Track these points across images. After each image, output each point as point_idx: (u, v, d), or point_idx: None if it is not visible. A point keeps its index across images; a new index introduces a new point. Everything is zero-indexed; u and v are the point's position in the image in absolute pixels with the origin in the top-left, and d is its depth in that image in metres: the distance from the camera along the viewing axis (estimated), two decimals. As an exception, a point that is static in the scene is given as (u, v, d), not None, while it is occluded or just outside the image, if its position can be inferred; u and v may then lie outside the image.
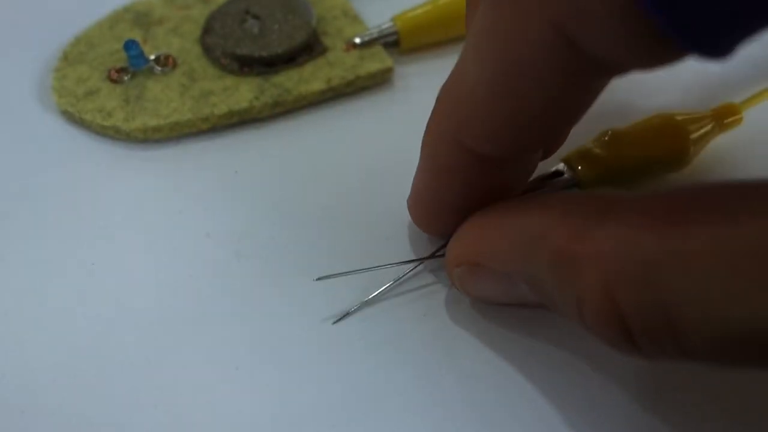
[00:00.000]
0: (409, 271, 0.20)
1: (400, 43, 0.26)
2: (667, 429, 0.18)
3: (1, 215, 0.22)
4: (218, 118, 0.24)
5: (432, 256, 0.21)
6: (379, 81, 0.26)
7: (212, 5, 0.27)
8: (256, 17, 0.26)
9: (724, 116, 0.22)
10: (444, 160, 0.18)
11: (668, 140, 0.21)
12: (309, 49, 0.25)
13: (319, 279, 0.20)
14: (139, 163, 0.23)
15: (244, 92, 0.24)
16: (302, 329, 0.20)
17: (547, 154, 0.21)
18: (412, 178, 0.23)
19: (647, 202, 0.15)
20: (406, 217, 0.22)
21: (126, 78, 0.25)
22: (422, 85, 0.26)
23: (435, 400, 0.18)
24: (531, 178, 0.21)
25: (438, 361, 0.19)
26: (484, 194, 0.18)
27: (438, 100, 0.18)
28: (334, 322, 0.19)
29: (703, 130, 0.22)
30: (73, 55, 0.25)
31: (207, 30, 0.26)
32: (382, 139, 0.25)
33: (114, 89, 0.24)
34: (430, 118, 0.18)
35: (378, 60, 0.25)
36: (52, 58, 0.26)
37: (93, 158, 0.23)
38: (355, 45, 0.26)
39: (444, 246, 0.20)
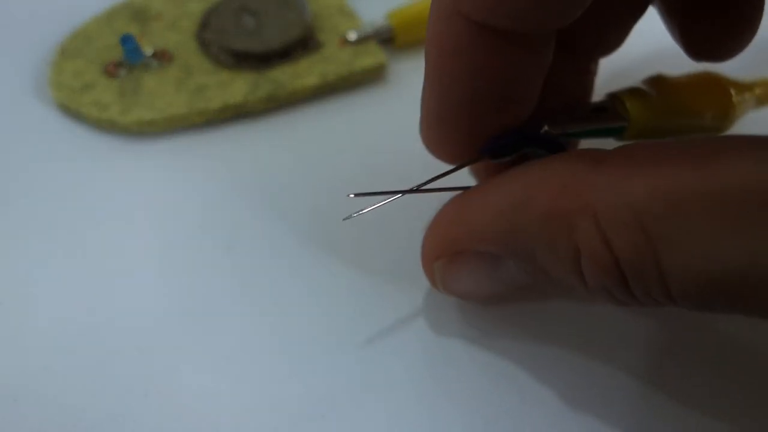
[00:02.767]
0: (428, 181, 0.18)
1: (394, 39, 0.26)
2: (668, 422, 0.18)
3: (-2, 206, 0.22)
4: (213, 112, 0.24)
5: (456, 169, 0.19)
6: (373, 77, 0.26)
7: (209, 1, 0.27)
8: (251, 13, 0.26)
9: (763, 88, 0.22)
10: (447, 39, 0.16)
11: (713, 96, 0.21)
12: (304, 44, 0.26)
13: (357, 195, 0.18)
14: (134, 155, 0.24)
15: (238, 86, 0.24)
16: (293, 321, 0.20)
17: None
18: (405, 173, 0.23)
19: (632, 151, 0.15)
20: (398, 211, 0.22)
21: (122, 72, 0.25)
22: (416, 81, 0.25)
23: (428, 392, 0.19)
24: (576, 114, 0.19)
25: (431, 353, 0.19)
26: (495, 90, 0.16)
27: None
28: (345, 219, 0.18)
29: (744, 96, 0.21)
30: (70, 50, 0.26)
31: (203, 25, 0.26)
32: (376, 135, 0.25)
33: (110, 83, 0.25)
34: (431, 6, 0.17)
35: (372, 56, 0.25)
36: (49, 52, 0.26)
37: (89, 151, 0.24)
38: (349, 41, 0.26)
39: (462, 166, 0.18)
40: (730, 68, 0.21)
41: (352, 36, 0.26)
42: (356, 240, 0.22)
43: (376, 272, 0.21)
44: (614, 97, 0.20)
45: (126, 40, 0.24)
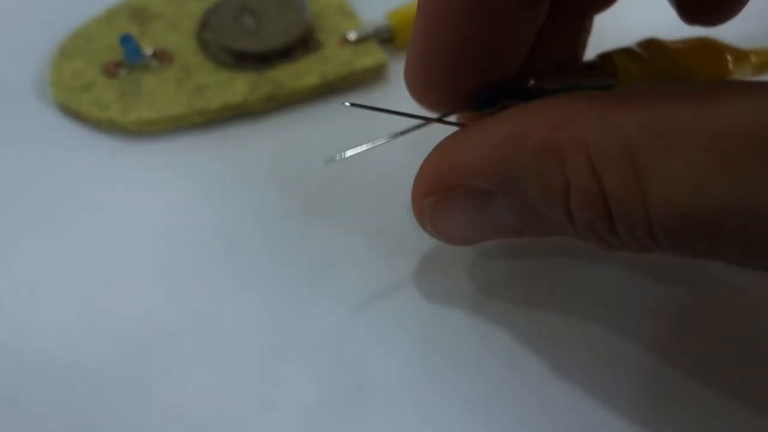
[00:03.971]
0: (412, 129, 0.18)
1: (394, 39, 0.26)
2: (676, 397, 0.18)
3: (-3, 206, 0.22)
4: (213, 112, 0.24)
5: (442, 117, 0.19)
6: (373, 76, 0.26)
7: (209, 1, 0.27)
8: (251, 13, 0.26)
9: (760, 56, 0.22)
10: None
11: (708, 61, 0.21)
12: (304, 44, 0.26)
13: (352, 104, 0.18)
14: (134, 155, 0.24)
15: (238, 86, 0.24)
16: (294, 320, 0.20)
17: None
18: (403, 173, 0.23)
19: (629, 90, 0.15)
20: (397, 210, 0.22)
21: (122, 72, 0.25)
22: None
23: (428, 391, 0.19)
24: (564, 73, 0.19)
25: (434, 351, 0.19)
26: (484, 39, 0.16)
27: None
28: (326, 162, 0.18)
29: (740, 63, 0.21)
30: (70, 49, 0.25)
31: (203, 25, 0.26)
32: (376, 135, 0.25)
33: (110, 83, 0.25)
34: None
35: (372, 56, 0.25)
36: (49, 52, 0.26)
37: (88, 151, 0.24)
38: (349, 41, 0.26)
39: (445, 115, 0.18)
40: (728, 36, 0.21)
41: (352, 36, 0.26)
42: (357, 237, 0.22)
43: (378, 270, 0.21)
44: (604, 57, 0.20)
45: (126, 40, 0.24)
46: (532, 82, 0.18)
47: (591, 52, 0.21)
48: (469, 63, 0.17)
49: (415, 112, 0.19)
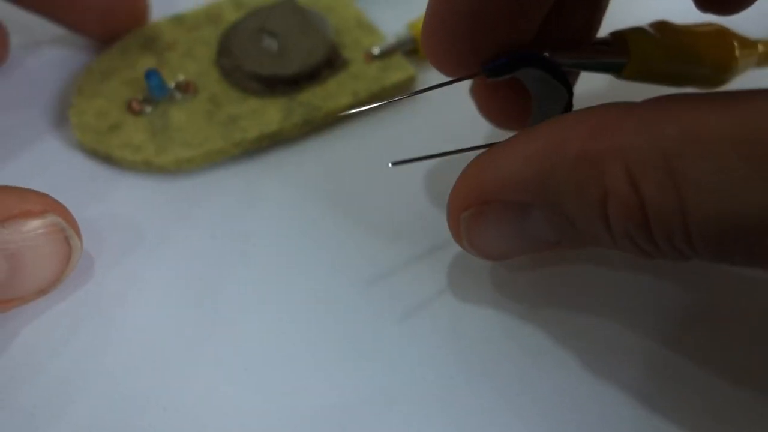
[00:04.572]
0: (422, 90, 0.20)
1: (418, 50, 0.26)
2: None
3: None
4: (250, 142, 0.23)
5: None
6: (403, 91, 0.25)
7: (222, 25, 0.26)
8: (272, 34, 0.25)
9: (767, 46, 0.23)
10: None
11: (716, 46, 0.21)
12: (330, 63, 0.25)
13: (395, 164, 0.18)
14: (173, 193, 0.23)
15: (272, 114, 0.24)
16: (311, 332, 0.20)
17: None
18: (434, 187, 0.23)
19: (665, 99, 0.15)
20: (426, 226, 0.22)
21: (148, 108, 0.24)
22: (443, 91, 0.26)
23: (451, 403, 0.19)
24: (577, 48, 0.20)
25: (463, 349, 0.20)
26: (503, 3, 0.17)
27: None
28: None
29: (747, 51, 0.22)
30: (88, 88, 0.24)
31: (222, 51, 0.25)
32: (407, 149, 0.24)
33: (137, 121, 0.24)
34: None
35: (401, 70, 0.25)
36: (68, 93, 0.25)
37: (126, 193, 0.23)
38: (374, 56, 0.26)
39: (459, 79, 0.19)
40: (741, 28, 0.21)
41: (376, 50, 0.26)
42: (376, 251, 0.22)
43: (396, 281, 0.21)
44: (617, 34, 0.20)
45: (151, 75, 0.23)
46: (546, 54, 0.19)
47: (603, 32, 0.21)
48: (486, 26, 0.17)
49: (446, 144, 0.19)
